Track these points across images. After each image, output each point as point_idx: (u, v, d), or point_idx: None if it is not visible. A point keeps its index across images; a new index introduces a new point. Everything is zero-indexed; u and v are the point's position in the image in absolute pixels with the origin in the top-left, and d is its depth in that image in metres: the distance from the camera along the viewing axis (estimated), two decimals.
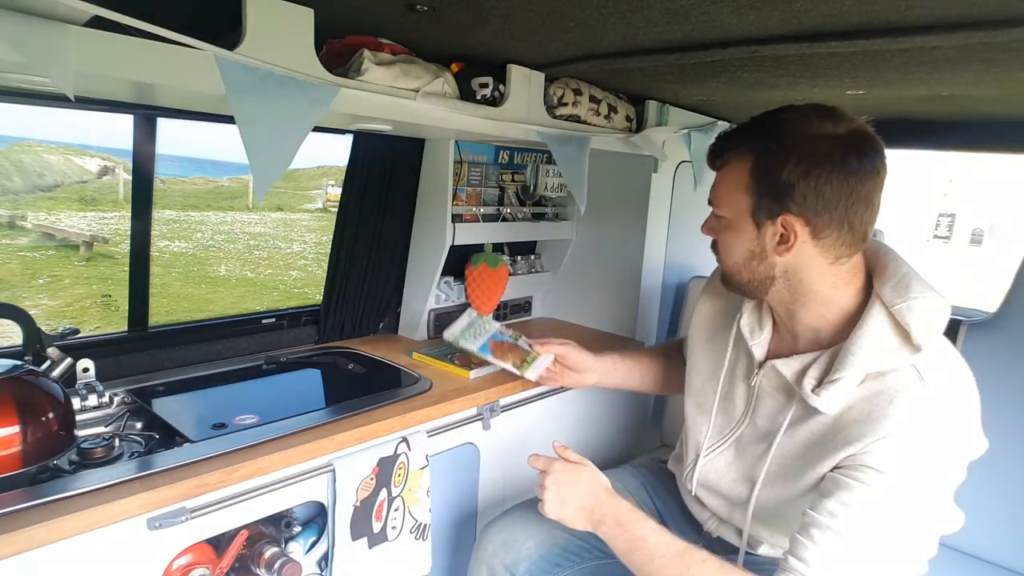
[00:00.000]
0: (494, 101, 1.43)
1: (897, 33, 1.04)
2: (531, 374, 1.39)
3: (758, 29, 1.09)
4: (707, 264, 1.40)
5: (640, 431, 2.09)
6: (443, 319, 1.78)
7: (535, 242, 2.20)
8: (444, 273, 1.82)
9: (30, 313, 1.15)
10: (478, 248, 1.93)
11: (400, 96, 1.21)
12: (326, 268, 1.74)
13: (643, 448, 2.08)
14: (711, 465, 1.13)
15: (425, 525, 1.34)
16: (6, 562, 0.81)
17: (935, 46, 1.09)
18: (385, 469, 1.25)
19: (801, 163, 0.89)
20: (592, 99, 1.65)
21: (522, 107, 1.49)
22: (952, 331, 1.50)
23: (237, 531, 1.08)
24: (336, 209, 1.74)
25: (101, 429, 1.20)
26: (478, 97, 1.40)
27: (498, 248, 2.03)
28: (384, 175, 1.71)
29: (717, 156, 1.02)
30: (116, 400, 1.27)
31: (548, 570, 1.20)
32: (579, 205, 1.59)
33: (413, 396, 1.37)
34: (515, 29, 1.18)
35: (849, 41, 1.08)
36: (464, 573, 1.31)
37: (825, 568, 0.84)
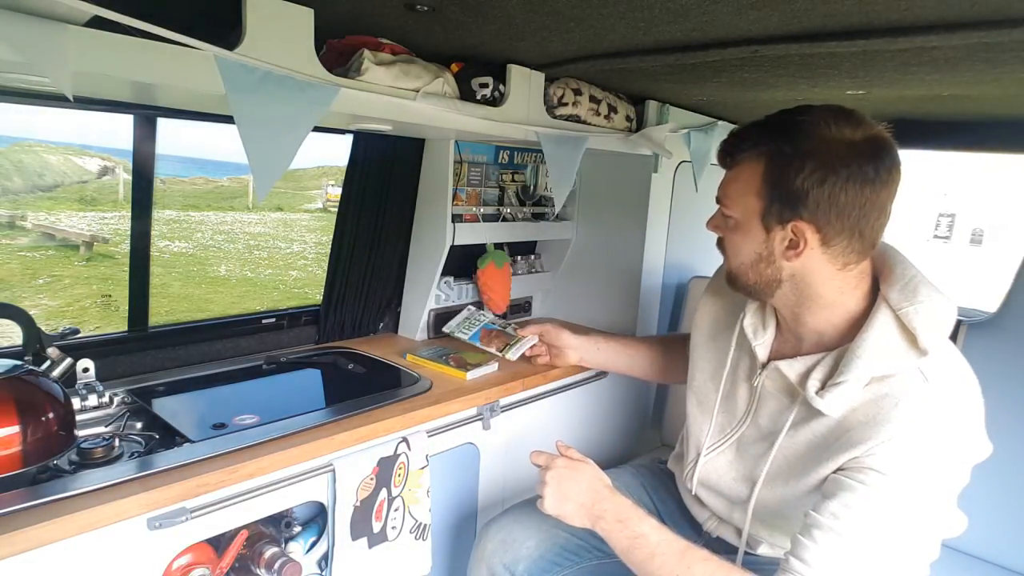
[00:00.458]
0: (494, 101, 1.43)
1: (897, 33, 1.04)
2: (512, 355, 1.51)
3: (758, 29, 1.09)
4: (707, 264, 1.40)
5: (640, 431, 2.09)
6: (443, 319, 1.77)
7: (535, 242, 2.20)
8: (444, 273, 1.82)
9: (30, 313, 1.15)
10: (478, 248, 1.93)
11: (400, 96, 1.21)
12: (326, 268, 1.74)
13: (643, 448, 2.08)
14: (712, 464, 1.13)
15: (425, 525, 1.34)
16: (6, 562, 0.81)
17: (935, 46, 1.09)
18: (385, 469, 1.25)
19: (817, 170, 0.87)
20: (592, 99, 1.65)
21: (522, 107, 1.49)
22: (952, 331, 1.50)
23: (237, 531, 1.08)
24: (336, 209, 1.74)
25: (101, 429, 1.20)
26: (478, 97, 1.40)
27: (498, 248, 2.03)
28: (384, 175, 1.71)
29: (728, 154, 0.99)
30: (116, 400, 1.27)
31: (547, 569, 1.20)
32: (556, 205, 1.60)
33: (413, 396, 1.37)
34: (515, 29, 1.18)
35: (849, 41, 1.08)
36: (464, 573, 1.31)
37: (826, 569, 0.84)
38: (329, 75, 1.08)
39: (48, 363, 1.14)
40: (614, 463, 1.49)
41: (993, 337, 1.48)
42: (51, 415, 0.97)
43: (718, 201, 1.02)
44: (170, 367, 1.46)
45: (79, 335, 1.25)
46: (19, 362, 1.01)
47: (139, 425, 1.24)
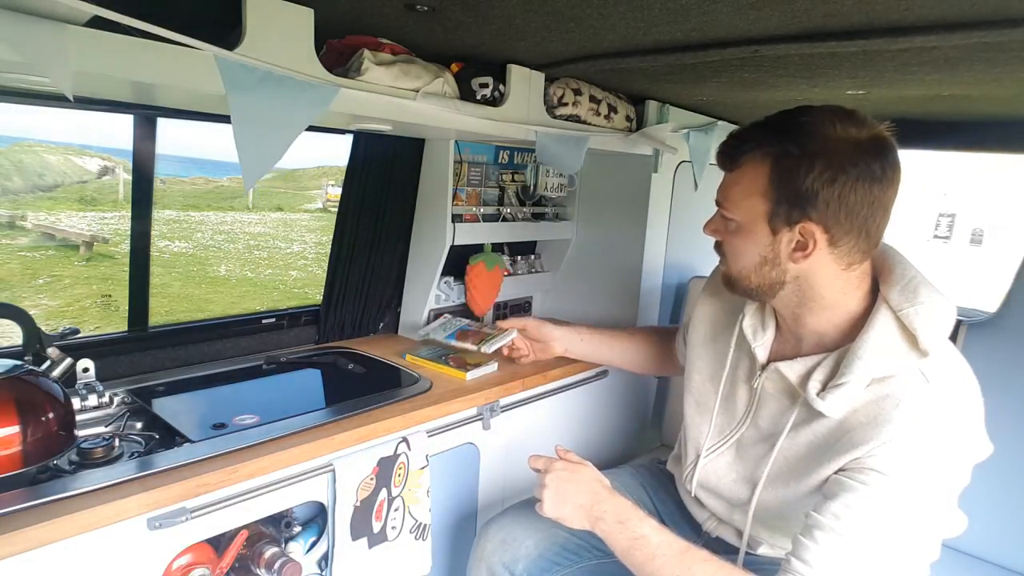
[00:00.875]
0: (494, 101, 1.43)
1: (897, 33, 1.04)
2: (487, 347, 1.52)
3: (758, 29, 1.09)
4: (707, 264, 1.40)
5: (640, 431, 2.09)
6: None
7: (535, 242, 2.20)
8: (444, 273, 1.82)
9: (30, 313, 1.15)
10: (478, 248, 1.93)
11: (400, 96, 1.21)
12: (326, 268, 1.74)
13: (643, 448, 2.08)
14: (711, 466, 1.13)
15: (425, 525, 1.34)
16: (6, 562, 0.81)
17: (935, 46, 1.09)
18: (385, 469, 1.25)
19: (827, 170, 0.86)
20: (592, 99, 1.65)
21: (522, 107, 1.49)
22: (952, 331, 1.50)
23: (237, 531, 1.08)
24: (336, 209, 1.74)
25: (101, 429, 1.20)
26: (478, 97, 1.40)
27: (498, 248, 2.03)
28: (384, 175, 1.71)
29: (729, 156, 0.98)
30: (116, 400, 1.27)
31: (547, 568, 1.20)
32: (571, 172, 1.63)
33: (413, 396, 1.37)
34: (515, 29, 1.18)
35: (849, 41, 1.08)
36: (464, 573, 1.31)
37: (827, 570, 0.84)
38: (329, 75, 1.08)
39: (48, 363, 1.14)
40: (614, 463, 1.49)
41: (993, 337, 1.48)
42: (51, 415, 0.97)
43: (718, 204, 1.01)
44: (170, 367, 1.46)
45: (79, 335, 1.25)
46: (19, 362, 1.01)
47: (139, 425, 1.24)
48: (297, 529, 1.21)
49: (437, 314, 1.83)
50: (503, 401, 1.52)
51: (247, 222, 15.40)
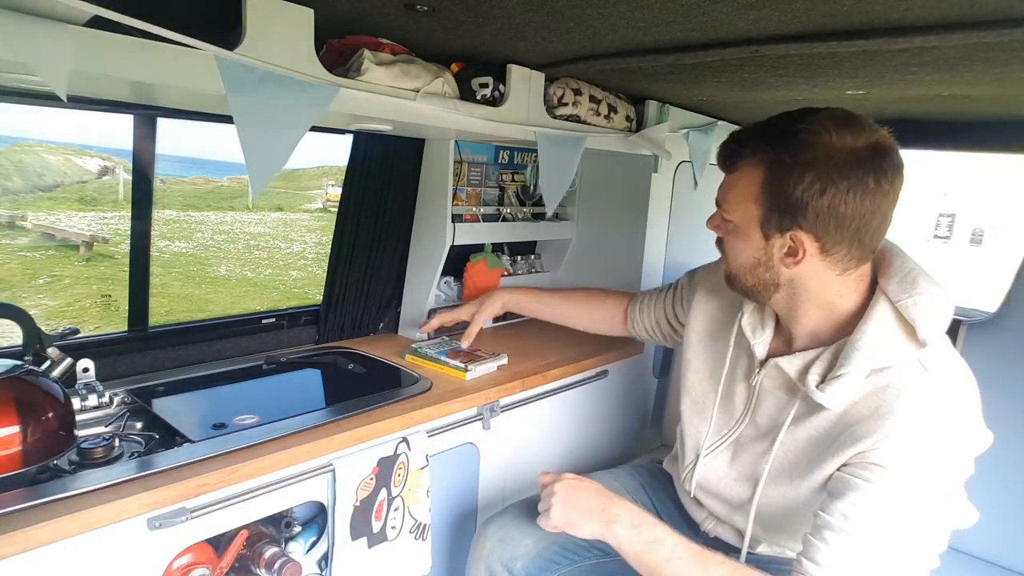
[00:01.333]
0: (494, 101, 1.43)
1: (897, 33, 1.04)
2: (472, 372, 1.51)
3: (758, 29, 1.09)
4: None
5: (640, 431, 2.09)
6: None
7: (535, 242, 2.20)
8: (444, 273, 1.82)
9: (30, 313, 1.15)
10: (478, 248, 1.93)
11: (400, 96, 1.21)
12: (326, 268, 1.74)
13: (643, 448, 2.08)
14: (711, 466, 1.13)
15: (425, 525, 1.34)
16: (6, 562, 0.81)
17: (935, 46, 1.09)
18: (385, 469, 1.25)
19: (816, 181, 0.86)
20: (592, 99, 1.65)
21: (522, 107, 1.49)
22: (952, 331, 1.50)
23: (237, 531, 1.08)
24: (336, 209, 1.74)
25: (101, 429, 1.20)
26: (478, 97, 1.40)
27: (498, 248, 2.03)
28: (384, 175, 1.71)
29: (728, 159, 0.98)
30: (116, 400, 1.27)
31: (546, 567, 1.20)
32: (548, 208, 1.65)
33: (413, 396, 1.37)
34: (515, 29, 1.18)
35: (849, 41, 1.08)
36: (464, 573, 1.31)
37: (839, 570, 0.84)
38: (329, 75, 1.08)
39: (48, 363, 1.14)
40: (614, 463, 1.50)
41: (993, 337, 1.48)
42: (51, 415, 0.97)
43: (717, 204, 1.02)
44: (170, 367, 1.46)
45: (79, 335, 1.25)
46: (19, 362, 1.01)
47: (139, 425, 1.24)
48: (297, 529, 1.21)
49: (433, 310, 1.81)
50: (503, 401, 1.52)
51: (247, 222, 15.40)
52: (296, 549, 1.18)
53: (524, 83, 1.48)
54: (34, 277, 8.80)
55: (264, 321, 1.67)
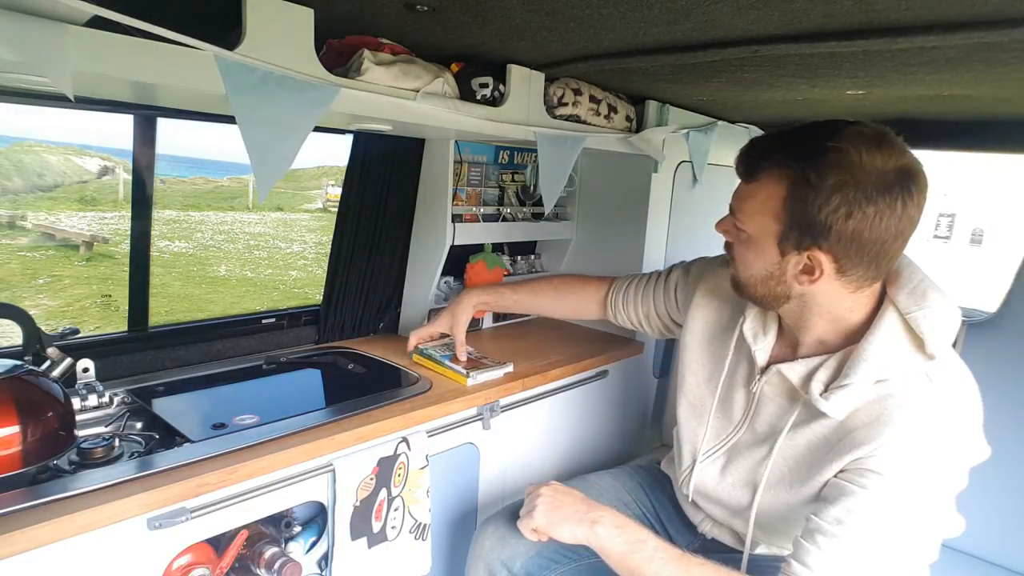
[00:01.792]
0: (494, 101, 1.43)
1: (897, 33, 1.04)
2: (474, 377, 1.48)
3: (758, 29, 1.09)
4: None
5: (639, 431, 2.09)
6: None
7: (535, 242, 2.20)
8: (444, 273, 1.81)
9: (30, 313, 1.15)
10: (478, 248, 1.93)
11: (400, 96, 1.21)
12: (326, 268, 1.74)
13: (643, 448, 2.08)
14: (708, 471, 1.12)
15: (425, 525, 1.34)
16: (6, 562, 0.81)
17: (935, 46, 1.09)
18: (385, 469, 1.25)
19: (843, 205, 0.83)
20: (592, 99, 1.65)
21: (522, 107, 1.49)
22: None
23: (237, 531, 1.08)
24: (336, 209, 1.74)
25: (101, 429, 1.20)
26: (478, 97, 1.40)
27: (498, 248, 2.03)
28: (384, 175, 1.71)
29: (748, 168, 0.94)
30: (116, 400, 1.27)
31: (545, 566, 1.20)
32: (546, 206, 1.63)
33: (413, 396, 1.37)
34: (515, 29, 1.18)
35: (849, 41, 1.08)
36: (463, 573, 1.31)
37: (829, 574, 0.84)
38: (329, 75, 1.08)
39: (48, 363, 1.14)
40: (613, 463, 1.50)
41: (993, 337, 1.48)
42: (51, 415, 0.97)
43: (731, 210, 0.99)
44: (170, 367, 1.46)
45: (79, 335, 1.25)
46: (19, 362, 1.01)
47: (139, 425, 1.24)
48: (297, 529, 1.21)
49: (433, 311, 1.81)
50: (503, 401, 1.52)
51: (247, 222, 15.41)
52: (296, 549, 1.18)
53: (524, 83, 1.48)
54: (34, 277, 8.80)
55: (264, 321, 1.67)
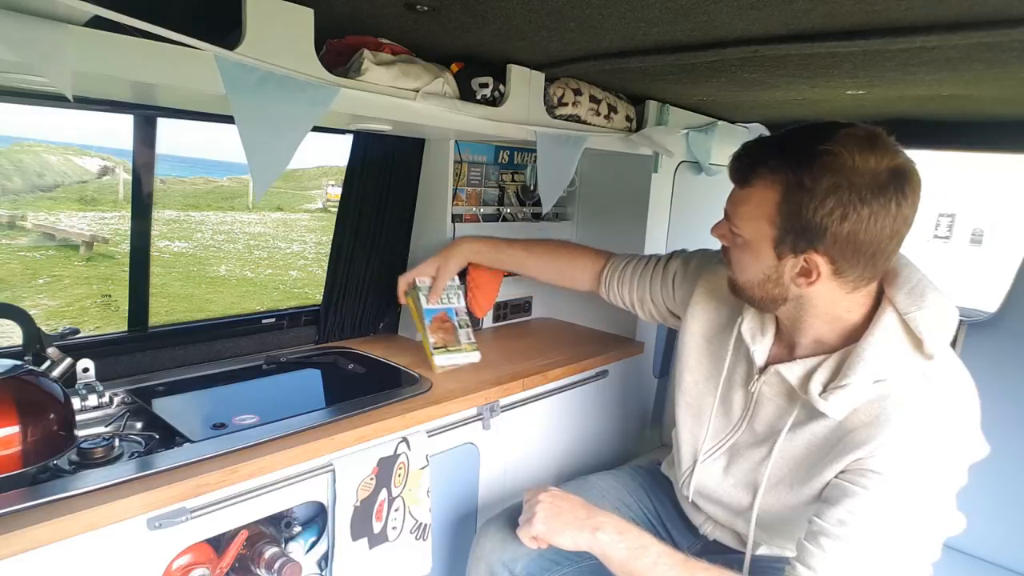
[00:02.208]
0: (494, 101, 1.43)
1: (897, 33, 1.04)
2: (440, 360, 1.43)
3: (758, 29, 1.09)
4: None
5: (640, 432, 2.09)
6: None
7: None
8: None
9: (30, 313, 1.15)
10: None
11: (400, 96, 1.21)
12: (326, 268, 1.74)
13: (643, 449, 2.08)
14: (708, 472, 1.12)
15: (425, 525, 1.34)
16: (6, 562, 0.81)
17: (935, 46, 1.09)
18: (385, 469, 1.25)
19: (838, 207, 0.83)
20: (592, 99, 1.65)
21: (522, 107, 1.49)
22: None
23: (237, 531, 1.08)
24: (336, 209, 1.74)
25: (101, 429, 1.20)
26: (478, 97, 1.40)
27: None
28: (384, 175, 1.71)
29: (741, 173, 0.94)
30: (116, 400, 1.27)
31: (547, 567, 1.19)
32: (544, 206, 1.60)
33: (413, 396, 1.37)
34: (515, 29, 1.18)
35: (849, 41, 1.08)
36: (464, 573, 1.31)
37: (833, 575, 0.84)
38: (329, 75, 1.08)
39: (48, 363, 1.14)
40: (614, 463, 1.50)
41: (993, 337, 1.48)
42: (51, 415, 0.97)
43: (726, 215, 0.99)
44: (170, 367, 1.46)
45: (79, 335, 1.25)
46: (19, 362, 1.01)
47: (139, 425, 1.24)
48: (297, 529, 1.21)
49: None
50: (503, 401, 1.52)
51: (247, 222, 15.41)
52: (296, 549, 1.18)
53: (524, 83, 1.48)
54: (34, 277, 8.80)
55: (264, 321, 1.67)
